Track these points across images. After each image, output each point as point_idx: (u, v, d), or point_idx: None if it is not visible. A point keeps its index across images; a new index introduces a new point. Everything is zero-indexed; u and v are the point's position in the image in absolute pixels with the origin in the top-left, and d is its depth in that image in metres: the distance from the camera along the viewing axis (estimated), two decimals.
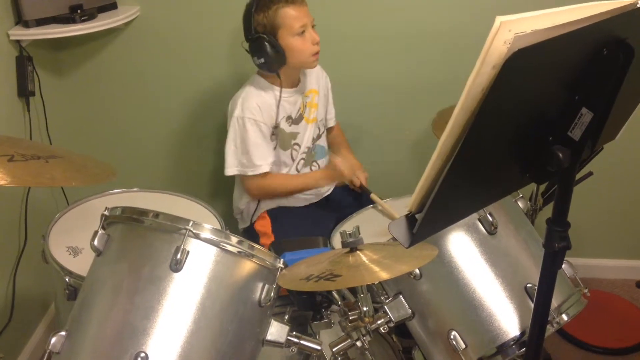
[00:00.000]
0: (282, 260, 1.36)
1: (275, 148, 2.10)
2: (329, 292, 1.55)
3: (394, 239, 0.95)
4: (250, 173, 2.05)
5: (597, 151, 1.41)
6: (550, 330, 1.40)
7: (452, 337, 1.43)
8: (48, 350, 1.23)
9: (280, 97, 2.03)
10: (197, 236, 1.25)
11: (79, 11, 2.18)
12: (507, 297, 1.43)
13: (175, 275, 1.23)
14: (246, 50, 2.01)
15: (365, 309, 1.39)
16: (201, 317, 1.23)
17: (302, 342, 1.36)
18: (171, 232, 1.26)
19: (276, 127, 2.06)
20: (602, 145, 1.21)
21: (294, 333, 1.37)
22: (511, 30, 0.75)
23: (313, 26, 2.00)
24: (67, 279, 1.55)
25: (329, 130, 2.36)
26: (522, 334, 1.41)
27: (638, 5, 0.89)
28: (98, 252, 1.32)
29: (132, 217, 1.32)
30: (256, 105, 2.01)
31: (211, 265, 1.26)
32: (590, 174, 1.92)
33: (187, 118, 2.59)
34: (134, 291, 1.24)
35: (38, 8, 2.13)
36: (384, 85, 2.47)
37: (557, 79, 0.90)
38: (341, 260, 1.30)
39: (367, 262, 1.27)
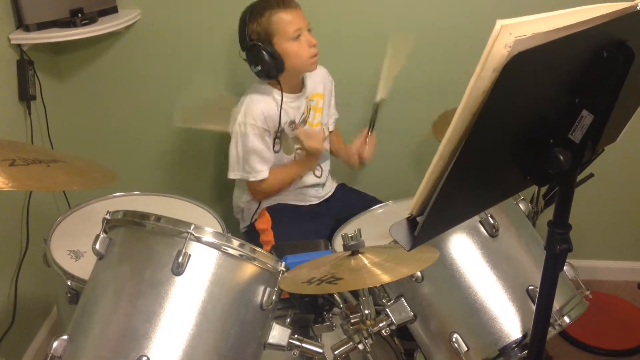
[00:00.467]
0: (283, 264, 1.36)
1: (278, 152, 2.10)
2: (331, 295, 1.54)
3: (396, 241, 0.96)
4: (252, 179, 2.06)
5: (598, 153, 1.42)
6: (552, 332, 1.40)
7: (454, 339, 1.43)
8: (50, 354, 1.23)
9: (281, 102, 2.03)
10: (198, 239, 1.26)
11: (79, 15, 2.19)
12: (509, 299, 1.43)
13: (177, 278, 1.23)
14: (244, 59, 2.01)
15: (367, 311, 1.39)
16: (203, 321, 1.23)
17: (303, 345, 1.36)
18: (173, 236, 1.26)
19: (280, 132, 2.07)
20: (603, 147, 1.21)
21: (296, 336, 1.37)
22: (512, 34, 0.75)
23: (309, 29, 2.00)
24: (68, 283, 1.55)
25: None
26: (524, 336, 1.40)
27: (638, 8, 0.89)
28: (100, 256, 1.33)
29: (134, 221, 1.32)
30: (259, 112, 2.01)
31: (213, 268, 1.26)
32: (591, 175, 1.92)
33: None
34: (136, 295, 1.24)
35: (39, 12, 2.13)
36: None
37: (557, 81, 0.90)
38: (343, 263, 1.30)
39: (368, 265, 1.27)
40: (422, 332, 1.51)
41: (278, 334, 1.35)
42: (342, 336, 1.46)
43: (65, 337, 1.25)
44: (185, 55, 2.46)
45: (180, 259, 1.23)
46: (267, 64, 1.95)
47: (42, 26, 2.15)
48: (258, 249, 1.31)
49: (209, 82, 2.48)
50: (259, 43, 1.95)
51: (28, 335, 2.34)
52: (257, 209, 2.19)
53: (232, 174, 2.09)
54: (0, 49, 2.09)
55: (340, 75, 2.32)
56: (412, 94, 2.46)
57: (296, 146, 2.14)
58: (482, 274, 1.45)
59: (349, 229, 1.88)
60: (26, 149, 1.52)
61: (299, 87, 2.13)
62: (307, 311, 1.57)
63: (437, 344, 1.49)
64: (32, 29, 2.13)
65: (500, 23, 0.74)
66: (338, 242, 1.78)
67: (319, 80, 2.20)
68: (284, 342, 1.35)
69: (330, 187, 2.31)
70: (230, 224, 2.05)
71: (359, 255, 1.31)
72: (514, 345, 1.41)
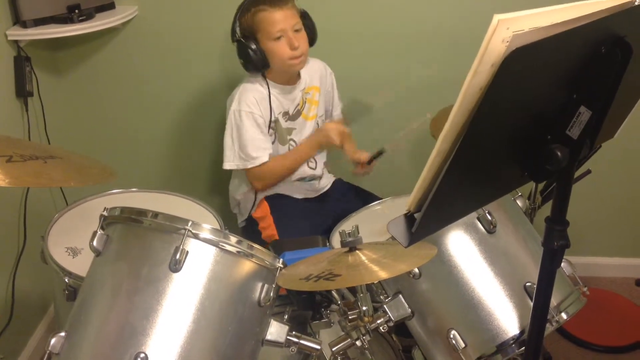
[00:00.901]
0: (281, 260, 1.36)
1: (274, 142, 2.10)
2: (329, 291, 1.55)
3: (393, 238, 0.95)
4: (249, 166, 2.04)
5: (595, 149, 1.42)
6: (549, 328, 1.40)
7: (451, 336, 1.43)
8: (48, 351, 1.23)
9: (269, 94, 2.03)
10: (196, 236, 1.25)
11: (76, 11, 2.18)
12: (507, 295, 1.43)
13: (175, 275, 1.23)
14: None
15: (364, 308, 1.39)
16: (201, 317, 1.23)
17: (301, 341, 1.36)
18: (170, 232, 1.26)
19: (274, 121, 2.07)
20: (601, 144, 1.21)
21: (294, 333, 1.37)
22: (509, 29, 0.75)
23: (297, 30, 1.99)
24: (66, 280, 1.54)
25: None
26: (522, 332, 1.41)
27: (636, 3, 0.89)
28: (97, 253, 1.32)
29: (131, 218, 1.32)
30: (253, 99, 2.02)
31: (210, 265, 1.26)
32: (588, 172, 1.92)
33: (186, 117, 2.59)
34: (134, 291, 1.24)
35: (36, 8, 2.13)
36: (384, 83, 2.47)
37: (555, 77, 0.90)
38: (340, 259, 1.30)
39: (366, 261, 1.28)
40: (420, 328, 1.51)
41: (276, 330, 1.35)
42: (340, 333, 1.47)
43: (62, 333, 1.25)
44: (182, 51, 2.46)
45: (177, 256, 1.22)
46: (250, 60, 1.97)
47: (39, 22, 2.15)
48: (256, 246, 1.31)
49: (205, 78, 2.49)
50: (243, 39, 1.97)
51: (26, 332, 2.34)
52: (255, 201, 2.18)
53: (228, 164, 2.07)
54: None
55: (339, 73, 2.31)
56: (411, 91, 2.46)
57: (289, 137, 2.13)
58: (480, 271, 1.45)
59: (347, 225, 1.88)
60: (23, 145, 1.52)
61: (294, 79, 2.13)
62: (304, 308, 1.57)
63: (434, 341, 1.49)
64: (29, 25, 2.12)
65: (497, 17, 0.74)
66: (336, 239, 1.78)
67: (315, 73, 2.20)
68: (281, 339, 1.35)
69: (327, 181, 2.31)
70: (228, 221, 2.04)
71: (357, 251, 1.31)
72: (512, 342, 1.41)
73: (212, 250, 1.27)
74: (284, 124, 2.11)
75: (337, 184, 2.34)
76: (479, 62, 0.76)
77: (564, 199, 1.05)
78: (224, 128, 2.06)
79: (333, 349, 1.43)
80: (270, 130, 2.07)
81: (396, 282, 1.51)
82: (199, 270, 1.25)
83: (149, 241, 1.29)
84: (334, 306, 1.57)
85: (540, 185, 2.06)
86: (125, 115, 2.60)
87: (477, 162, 0.91)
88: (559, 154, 0.94)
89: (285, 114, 2.11)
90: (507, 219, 1.54)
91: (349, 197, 2.27)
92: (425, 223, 0.91)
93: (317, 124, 2.21)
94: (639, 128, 1.87)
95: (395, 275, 1.25)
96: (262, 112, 2.03)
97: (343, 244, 1.32)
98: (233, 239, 1.28)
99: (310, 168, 2.22)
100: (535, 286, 1.19)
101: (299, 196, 2.23)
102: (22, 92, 2.19)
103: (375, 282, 1.54)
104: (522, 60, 0.77)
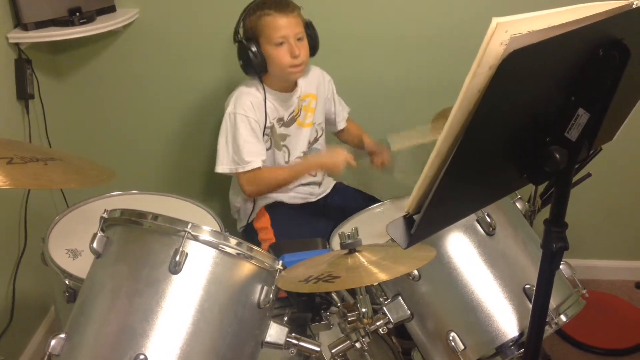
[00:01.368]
0: (280, 262, 1.36)
1: (269, 148, 2.10)
2: (328, 293, 1.55)
3: (392, 240, 0.96)
4: (240, 170, 2.02)
5: (595, 152, 1.42)
6: (548, 331, 1.41)
7: (451, 338, 1.44)
8: (48, 353, 1.23)
9: (265, 99, 2.03)
10: (195, 238, 1.26)
11: (77, 14, 2.19)
12: (506, 298, 1.44)
13: (174, 277, 1.23)
14: None
15: (364, 310, 1.39)
16: (200, 319, 1.23)
17: (301, 343, 1.36)
18: (170, 234, 1.26)
19: (269, 127, 2.06)
20: (601, 146, 1.21)
21: (293, 335, 1.37)
22: (507, 31, 0.75)
23: (299, 38, 1.99)
24: (66, 282, 1.55)
25: (341, 131, 2.37)
26: (521, 334, 1.41)
27: (634, 6, 0.89)
28: (97, 255, 1.33)
29: (131, 220, 1.32)
30: (249, 103, 2.01)
31: (210, 267, 1.26)
32: (588, 175, 1.92)
33: (186, 120, 2.59)
34: (133, 293, 1.25)
35: (37, 11, 2.14)
36: (384, 86, 2.48)
37: (553, 79, 0.91)
38: (340, 261, 1.30)
39: (365, 263, 1.28)
40: (419, 330, 1.51)
41: (275, 332, 1.36)
42: (339, 335, 1.47)
43: (63, 335, 1.25)
44: (183, 54, 2.46)
45: (177, 258, 1.23)
46: (249, 62, 1.97)
47: (40, 25, 2.15)
48: (255, 248, 1.32)
49: (206, 81, 2.49)
50: (244, 41, 1.98)
51: (26, 334, 2.34)
52: (253, 208, 2.17)
53: (220, 167, 2.05)
54: None
55: (339, 76, 2.32)
56: (412, 93, 2.46)
57: (282, 143, 2.13)
58: (479, 273, 1.45)
59: (347, 227, 1.88)
60: (24, 147, 1.52)
61: (291, 86, 2.12)
62: (304, 310, 1.57)
63: (434, 343, 1.50)
64: (30, 27, 2.13)
65: (495, 20, 0.74)
66: (335, 241, 1.78)
67: (312, 81, 2.20)
68: (281, 341, 1.35)
69: (326, 185, 2.30)
70: (228, 223, 2.05)
71: (356, 253, 1.31)
72: (511, 344, 1.41)
73: (212, 252, 1.27)
74: (278, 129, 2.11)
75: (338, 187, 2.34)
76: (478, 65, 0.77)
77: (562, 201, 1.05)
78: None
79: (332, 351, 1.43)
80: (266, 137, 2.07)
81: (396, 284, 1.51)
82: (198, 272, 1.25)
83: (149, 243, 1.29)
84: (333, 308, 1.56)
85: (540, 188, 2.06)
86: (125, 117, 2.61)
87: (476, 164, 0.91)
88: (557, 156, 0.94)
89: (280, 120, 2.11)
90: (507, 221, 1.54)
91: (349, 200, 2.27)
92: (424, 225, 0.92)
93: (316, 131, 2.22)
94: (638, 130, 1.88)
95: (395, 277, 1.25)
96: (257, 116, 2.02)
97: (342, 245, 1.33)
98: (233, 241, 1.28)
99: (311, 175, 2.22)
100: (534, 288, 1.19)
101: (298, 201, 2.22)
102: (23, 94, 2.20)
103: (374, 284, 1.54)
104: (519, 62, 0.77)
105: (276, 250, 1.59)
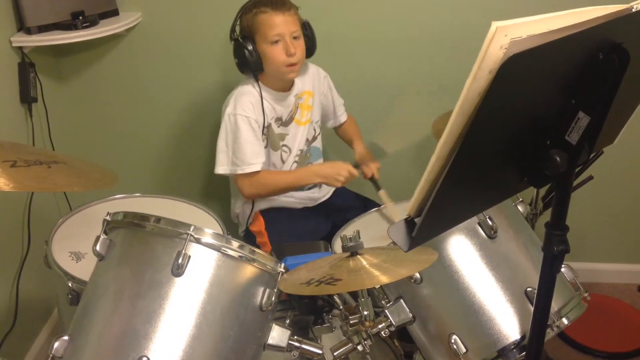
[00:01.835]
0: (283, 265, 1.37)
1: (266, 147, 2.09)
2: (330, 296, 1.55)
3: (394, 243, 0.96)
4: (239, 172, 2.02)
5: (597, 155, 1.42)
6: (550, 334, 1.40)
7: (453, 341, 1.44)
8: (51, 355, 1.23)
9: (261, 98, 2.03)
10: (198, 241, 1.26)
11: (80, 18, 2.20)
12: (508, 301, 1.44)
13: (177, 279, 1.24)
14: None
15: (366, 313, 1.39)
16: (202, 322, 1.23)
17: (303, 346, 1.37)
18: (172, 237, 1.27)
19: (266, 127, 2.06)
20: (602, 149, 1.21)
21: (295, 337, 1.37)
22: (507, 35, 0.76)
23: (295, 37, 1.98)
24: (69, 284, 1.55)
25: (339, 126, 2.37)
26: (523, 337, 1.41)
27: (633, 10, 0.90)
28: (100, 257, 1.33)
29: (134, 222, 1.33)
30: (249, 103, 2.01)
31: (212, 269, 1.27)
32: (590, 178, 1.92)
33: (189, 123, 2.60)
34: (136, 296, 1.25)
35: (40, 15, 2.14)
36: (385, 87, 2.48)
37: (553, 83, 0.91)
38: (342, 264, 1.31)
39: (367, 266, 1.28)
40: (421, 333, 1.51)
41: (277, 335, 1.36)
42: (341, 337, 1.47)
43: (66, 337, 1.25)
44: (186, 57, 2.47)
45: (180, 260, 1.23)
46: (244, 60, 1.97)
47: (43, 29, 2.16)
48: (257, 251, 1.32)
49: (209, 84, 2.50)
50: (240, 39, 1.98)
51: (29, 336, 2.34)
52: (251, 212, 2.17)
53: (220, 168, 2.04)
54: (2, 51, 2.10)
55: (341, 77, 2.32)
56: (412, 95, 2.47)
57: (282, 142, 2.13)
58: (481, 276, 1.45)
59: (348, 230, 1.88)
60: (27, 150, 1.53)
61: (287, 85, 2.12)
62: (306, 312, 1.58)
63: (436, 345, 1.50)
64: (33, 31, 2.14)
65: (495, 24, 0.75)
66: (337, 244, 1.78)
67: (308, 78, 2.19)
68: (283, 343, 1.35)
69: (326, 190, 2.28)
70: (231, 226, 2.05)
71: (358, 256, 1.31)
72: (513, 347, 1.41)
73: (214, 254, 1.27)
74: (276, 129, 2.11)
75: (338, 191, 2.32)
76: (478, 68, 0.77)
77: (563, 204, 1.05)
78: None
79: (335, 354, 1.43)
80: (263, 136, 2.06)
81: (397, 287, 1.52)
82: (201, 275, 1.26)
83: (152, 246, 1.29)
84: (335, 311, 1.57)
85: (542, 191, 2.06)
86: (128, 120, 2.61)
87: (476, 167, 0.91)
88: (557, 159, 0.95)
89: (278, 119, 2.11)
90: (508, 224, 1.54)
91: (349, 204, 2.26)
92: (425, 228, 0.92)
93: (314, 129, 2.22)
94: (639, 133, 1.88)
95: (397, 280, 1.25)
96: (256, 116, 2.02)
97: (344, 248, 1.33)
98: (235, 244, 1.29)
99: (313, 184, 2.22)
100: (536, 291, 1.19)
101: (297, 206, 2.22)
102: (27, 98, 2.21)
103: (376, 286, 1.54)
104: (519, 66, 0.78)
105: (278, 253, 1.59)
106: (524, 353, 1.39)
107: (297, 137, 2.16)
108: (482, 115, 0.81)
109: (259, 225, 2.16)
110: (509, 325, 1.42)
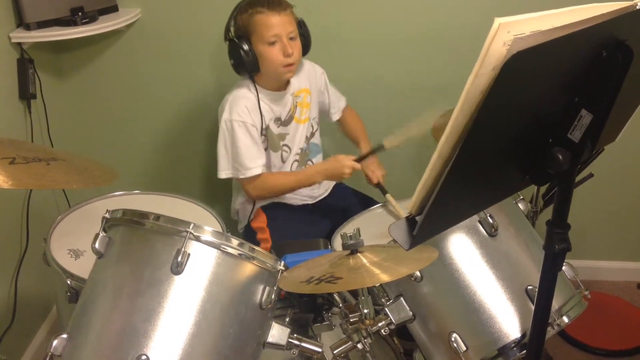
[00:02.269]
0: (282, 263, 1.36)
1: (266, 149, 2.09)
2: (330, 294, 1.55)
3: (395, 241, 0.96)
4: (241, 176, 2.03)
5: (598, 153, 1.42)
6: (550, 332, 1.40)
7: (453, 339, 1.43)
8: (50, 353, 1.23)
9: (258, 100, 2.02)
10: (197, 239, 1.26)
11: (80, 14, 2.19)
12: (508, 299, 1.43)
13: (176, 277, 1.23)
14: None
15: (366, 311, 1.39)
16: (202, 320, 1.23)
17: (303, 344, 1.36)
18: (172, 235, 1.26)
19: (265, 128, 2.06)
20: (603, 147, 1.21)
21: (295, 335, 1.37)
22: (510, 32, 0.75)
23: (292, 37, 1.97)
24: (68, 282, 1.55)
25: (340, 122, 2.36)
26: (523, 336, 1.40)
27: (637, 7, 0.89)
28: (99, 255, 1.33)
29: (133, 220, 1.32)
30: (244, 107, 2.00)
31: (212, 267, 1.26)
32: (591, 175, 1.92)
33: (189, 120, 2.59)
34: (135, 293, 1.24)
35: (39, 11, 2.14)
36: (385, 86, 2.48)
37: (556, 80, 0.90)
38: (342, 262, 1.30)
39: (367, 264, 1.28)
40: (421, 331, 1.51)
41: (277, 333, 1.36)
42: (341, 335, 1.47)
43: (64, 335, 1.25)
44: (186, 54, 2.46)
45: (179, 258, 1.23)
46: (240, 61, 1.96)
47: (42, 25, 2.15)
48: (257, 248, 1.31)
49: (209, 81, 2.49)
50: (236, 39, 1.96)
51: (28, 334, 2.34)
52: (252, 209, 2.17)
53: (223, 173, 2.05)
54: (1, 47, 2.09)
55: (341, 77, 2.32)
56: (412, 93, 2.46)
57: (282, 142, 2.13)
58: (481, 274, 1.45)
59: (348, 228, 1.88)
60: (26, 147, 1.52)
61: (283, 84, 2.11)
62: (306, 310, 1.57)
63: (436, 344, 1.49)
64: (32, 27, 2.13)
65: (498, 21, 0.74)
66: (337, 242, 1.78)
67: (303, 76, 2.18)
68: (283, 342, 1.35)
69: (326, 187, 2.29)
70: (230, 224, 2.05)
71: (358, 254, 1.31)
72: (513, 345, 1.41)
73: (214, 252, 1.27)
74: (275, 130, 2.10)
75: (337, 189, 2.32)
76: (480, 65, 0.76)
77: (565, 202, 1.05)
78: None
79: (334, 352, 1.43)
80: (262, 137, 2.06)
81: (398, 285, 1.51)
82: (200, 273, 1.25)
83: (151, 243, 1.29)
84: (335, 309, 1.57)
85: (543, 189, 2.06)
86: (128, 117, 2.61)
87: (478, 165, 0.91)
88: (560, 157, 0.94)
89: (277, 119, 2.10)
90: (509, 222, 1.53)
91: (349, 202, 2.26)
92: (426, 226, 0.92)
93: (312, 125, 2.21)
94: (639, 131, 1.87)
95: (397, 278, 1.24)
96: (253, 120, 2.01)
97: (344, 246, 1.32)
98: (235, 242, 1.28)
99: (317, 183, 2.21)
100: (536, 289, 1.19)
101: (297, 203, 2.21)
102: (26, 94, 2.20)
103: (376, 285, 1.54)
104: (522, 63, 0.77)
105: (278, 251, 1.59)
106: (524, 351, 1.39)
107: (297, 135, 2.16)
108: (484, 113, 0.80)
109: (261, 222, 2.15)
110: (509, 323, 1.42)
